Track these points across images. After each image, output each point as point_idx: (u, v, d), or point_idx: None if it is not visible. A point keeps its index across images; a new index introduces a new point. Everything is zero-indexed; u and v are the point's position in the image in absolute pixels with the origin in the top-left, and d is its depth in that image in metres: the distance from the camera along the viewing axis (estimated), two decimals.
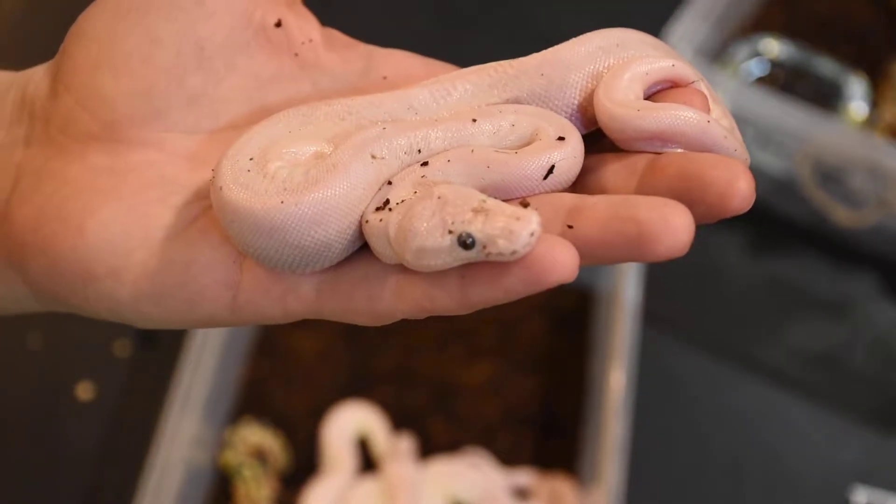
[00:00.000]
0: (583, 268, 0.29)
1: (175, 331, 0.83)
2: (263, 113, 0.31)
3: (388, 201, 0.29)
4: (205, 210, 0.30)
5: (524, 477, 0.80)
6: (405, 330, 0.87)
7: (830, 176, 0.84)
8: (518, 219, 0.27)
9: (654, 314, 0.84)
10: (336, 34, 0.33)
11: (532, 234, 0.26)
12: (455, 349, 0.85)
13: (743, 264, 0.90)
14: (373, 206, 0.29)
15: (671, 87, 0.31)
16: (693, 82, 0.32)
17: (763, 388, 0.85)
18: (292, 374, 0.85)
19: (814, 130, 0.82)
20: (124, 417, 0.84)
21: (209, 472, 0.81)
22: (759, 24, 0.96)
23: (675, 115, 0.29)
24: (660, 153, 0.29)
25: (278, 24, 0.31)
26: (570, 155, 0.30)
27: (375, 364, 0.86)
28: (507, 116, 0.31)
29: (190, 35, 0.30)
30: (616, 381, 0.76)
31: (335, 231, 0.29)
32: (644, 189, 0.29)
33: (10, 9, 1.06)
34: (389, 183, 0.30)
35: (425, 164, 0.29)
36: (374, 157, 0.29)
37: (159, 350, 0.86)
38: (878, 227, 0.86)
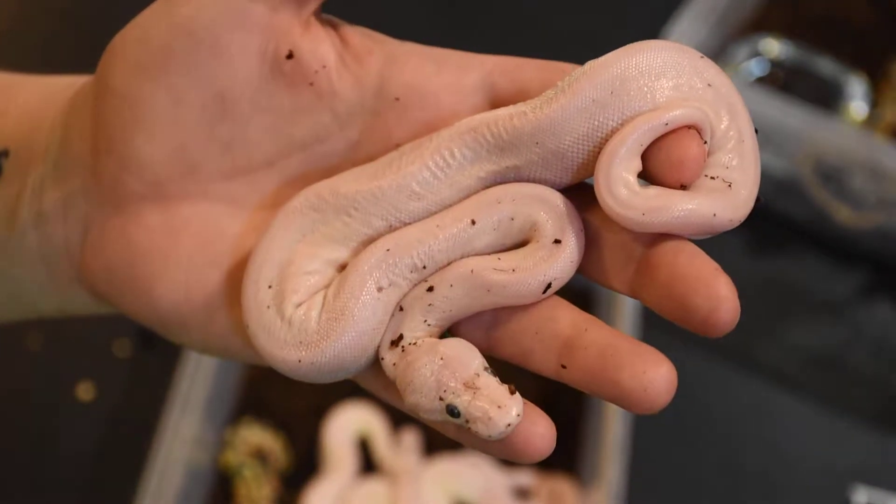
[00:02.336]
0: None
1: None
2: (292, 147, 0.33)
3: (402, 337, 0.31)
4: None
5: (524, 477, 0.80)
6: None
7: (831, 176, 0.84)
8: (500, 407, 0.29)
9: (654, 314, 0.84)
10: (351, 40, 0.33)
11: (509, 426, 0.29)
12: None
13: (743, 264, 0.90)
14: (388, 339, 0.31)
15: (669, 134, 0.30)
16: (690, 126, 0.30)
17: (763, 388, 0.85)
18: None
19: (814, 130, 0.82)
20: (124, 417, 0.84)
21: (209, 472, 0.81)
22: (759, 24, 0.96)
23: (680, 218, 0.29)
24: (659, 240, 0.30)
25: (290, 56, 0.32)
26: (566, 267, 0.30)
27: None
28: (506, 209, 0.31)
29: (210, 87, 0.31)
30: None
31: (353, 368, 0.32)
32: (636, 293, 0.30)
33: (8, 9, 1.06)
34: (401, 309, 0.31)
35: (431, 289, 0.31)
36: (380, 289, 0.31)
37: (159, 350, 0.86)
38: (878, 227, 0.86)
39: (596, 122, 0.30)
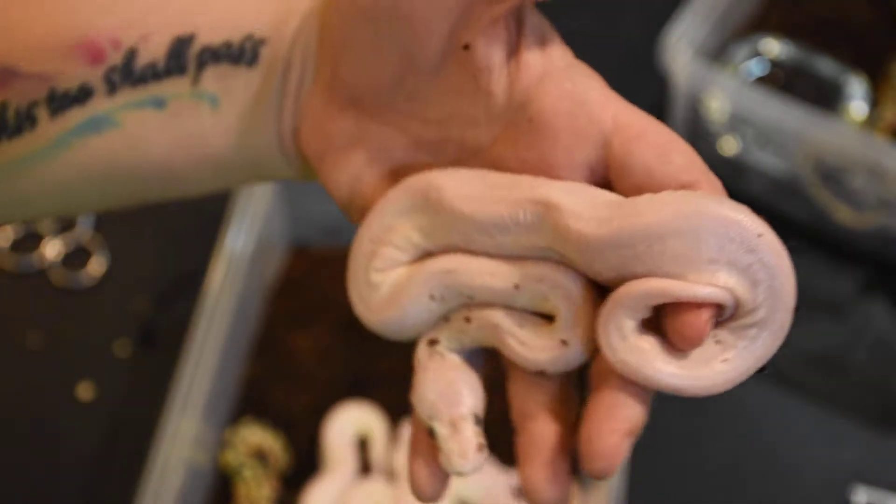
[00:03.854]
0: None
1: (175, 330, 0.83)
2: (455, 116, 0.37)
3: (438, 341, 0.38)
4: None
5: None
6: None
7: (831, 176, 0.84)
8: (461, 457, 0.36)
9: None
10: (523, 47, 0.36)
11: (464, 472, 0.36)
12: None
13: None
14: (427, 337, 0.38)
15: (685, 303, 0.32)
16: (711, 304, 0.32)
17: (763, 388, 0.85)
18: (292, 374, 0.85)
19: (814, 130, 0.82)
20: (124, 417, 0.84)
21: (209, 472, 0.81)
22: (759, 24, 0.96)
23: (648, 379, 0.34)
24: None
25: (466, 47, 0.35)
26: (558, 365, 0.35)
27: (375, 364, 0.86)
28: (544, 289, 0.35)
29: (405, 47, 0.36)
30: None
31: (406, 336, 0.38)
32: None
33: None
34: (446, 320, 0.37)
35: (468, 320, 0.37)
36: (431, 297, 0.37)
37: (159, 350, 0.86)
38: (878, 227, 0.86)
39: (624, 262, 0.33)
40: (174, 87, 0.39)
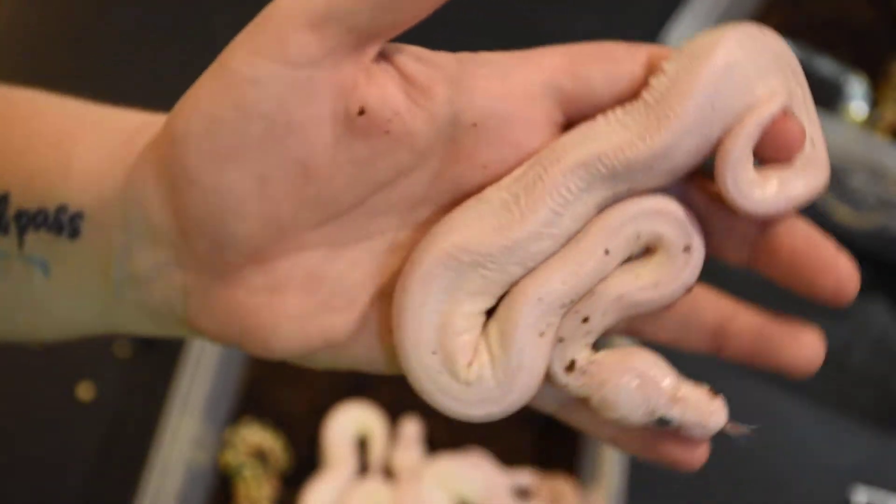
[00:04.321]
0: None
1: None
2: (376, 186, 0.33)
3: (574, 363, 0.34)
4: (363, 304, 0.35)
5: (525, 477, 0.80)
6: None
7: (831, 176, 0.84)
8: (711, 413, 0.35)
9: None
10: (412, 74, 0.33)
11: (720, 425, 0.35)
12: None
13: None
14: (559, 368, 0.34)
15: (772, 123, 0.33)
16: (786, 111, 0.33)
17: (763, 388, 0.85)
18: (292, 374, 0.85)
19: None
20: (124, 417, 0.84)
21: (209, 472, 0.81)
22: (758, 25, 0.96)
23: (797, 198, 0.34)
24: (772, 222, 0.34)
25: (361, 112, 0.32)
26: (699, 268, 0.34)
27: None
28: (630, 229, 0.33)
29: (291, 159, 0.32)
30: None
31: (540, 382, 0.35)
32: (756, 268, 0.36)
33: (9, 9, 1.06)
34: (561, 339, 0.34)
35: (586, 320, 0.34)
36: (541, 334, 0.33)
37: (159, 350, 0.86)
38: (878, 227, 0.86)
39: (704, 136, 0.32)
40: (1, 246, 0.36)
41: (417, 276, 0.33)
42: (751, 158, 0.33)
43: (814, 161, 0.35)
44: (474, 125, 0.33)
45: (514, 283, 0.34)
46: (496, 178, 0.34)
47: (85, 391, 0.85)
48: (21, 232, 0.35)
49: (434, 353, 0.34)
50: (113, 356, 0.86)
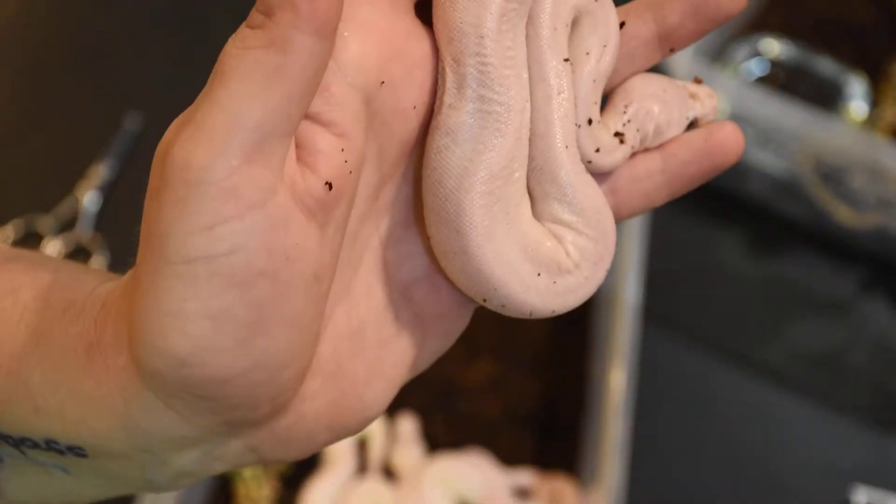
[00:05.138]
0: None
1: None
2: (368, 212, 0.34)
3: (591, 120, 0.35)
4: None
5: (525, 477, 0.80)
6: None
7: (831, 176, 0.84)
8: (710, 96, 0.39)
9: (654, 314, 0.84)
10: (322, 116, 0.30)
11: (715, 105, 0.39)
12: (455, 349, 0.85)
13: (743, 264, 0.90)
14: (609, 143, 0.36)
15: None
16: None
17: (763, 388, 0.85)
18: None
19: (814, 130, 0.82)
20: None
21: None
22: (759, 24, 0.96)
23: None
24: None
25: (329, 186, 0.30)
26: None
27: None
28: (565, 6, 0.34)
29: (306, 282, 0.30)
30: (616, 381, 0.76)
31: None
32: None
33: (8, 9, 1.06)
34: (588, 124, 0.35)
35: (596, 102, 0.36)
36: (575, 153, 0.35)
37: None
38: (878, 227, 0.86)
39: None
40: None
41: (469, 212, 0.32)
42: None
43: None
44: (381, 83, 0.31)
45: (531, 160, 0.34)
46: (429, 107, 0.33)
47: None
48: (17, 447, 0.32)
49: (529, 262, 0.34)
50: None
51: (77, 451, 0.31)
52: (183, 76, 1.02)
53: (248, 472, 0.80)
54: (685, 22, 0.37)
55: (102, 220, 0.93)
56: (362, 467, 0.82)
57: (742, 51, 0.94)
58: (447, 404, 0.83)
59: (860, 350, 0.86)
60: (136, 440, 0.31)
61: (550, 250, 0.34)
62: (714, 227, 0.91)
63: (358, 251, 0.34)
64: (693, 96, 0.38)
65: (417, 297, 0.35)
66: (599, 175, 0.36)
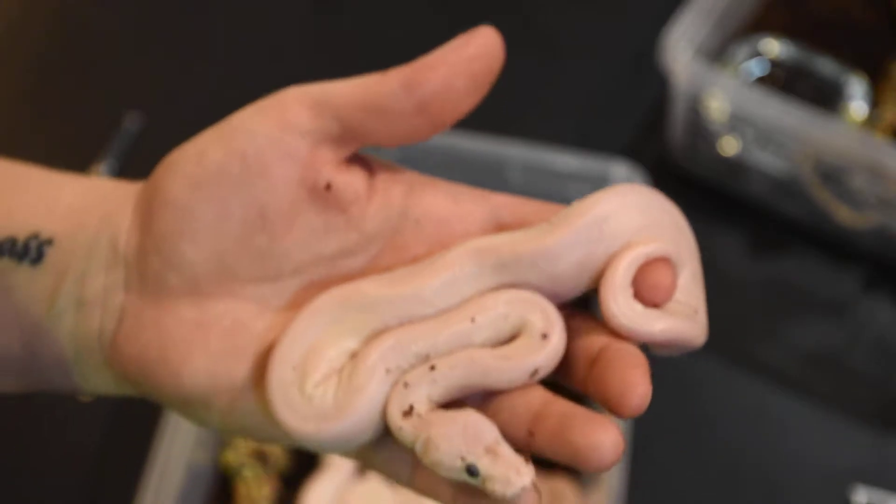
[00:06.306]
0: None
1: None
2: (320, 259, 0.37)
3: (412, 407, 0.36)
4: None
5: None
6: None
7: (831, 176, 0.84)
8: (517, 472, 0.34)
9: None
10: (379, 173, 0.38)
11: (521, 490, 0.34)
12: None
13: (743, 264, 0.90)
14: (397, 411, 0.36)
15: (648, 264, 0.36)
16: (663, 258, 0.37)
17: (763, 388, 0.85)
18: None
19: (814, 130, 0.82)
20: (124, 417, 0.84)
21: (209, 472, 0.81)
22: (759, 24, 0.96)
23: (666, 332, 0.36)
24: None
25: (328, 188, 0.36)
26: (551, 358, 0.36)
27: None
28: (501, 309, 0.36)
29: (254, 205, 0.36)
30: None
31: (364, 439, 0.36)
32: (584, 387, 0.37)
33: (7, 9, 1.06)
34: (406, 385, 0.36)
35: (433, 368, 0.36)
36: (388, 370, 0.36)
37: None
38: (878, 227, 0.86)
39: (586, 255, 0.36)
40: None
41: (309, 308, 0.37)
42: (628, 285, 0.36)
43: (696, 323, 0.38)
44: (417, 221, 0.37)
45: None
46: None
47: None
48: None
49: (294, 368, 0.36)
50: None
51: (42, 249, 0.38)
52: (183, 76, 1.02)
53: (248, 472, 0.80)
54: (549, 428, 0.36)
55: None
56: (362, 467, 0.82)
57: (742, 51, 0.94)
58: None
59: (860, 350, 0.86)
60: (96, 237, 0.38)
61: (315, 369, 0.37)
62: (714, 227, 0.91)
63: (301, 298, 0.38)
64: (492, 453, 0.35)
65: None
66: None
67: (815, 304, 0.88)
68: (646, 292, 0.36)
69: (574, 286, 0.37)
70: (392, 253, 0.38)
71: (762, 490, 0.81)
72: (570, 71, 1.02)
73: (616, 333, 0.36)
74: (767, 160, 0.88)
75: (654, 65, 0.88)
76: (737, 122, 0.86)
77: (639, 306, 0.36)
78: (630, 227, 0.36)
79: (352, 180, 0.37)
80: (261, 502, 0.79)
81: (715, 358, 0.86)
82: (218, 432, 0.38)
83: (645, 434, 0.80)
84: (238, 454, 0.81)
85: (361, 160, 0.38)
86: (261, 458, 0.81)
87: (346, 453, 0.38)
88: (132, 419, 0.84)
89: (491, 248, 0.37)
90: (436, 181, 0.39)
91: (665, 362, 0.89)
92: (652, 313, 0.36)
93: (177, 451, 0.74)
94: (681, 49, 0.85)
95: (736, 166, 0.90)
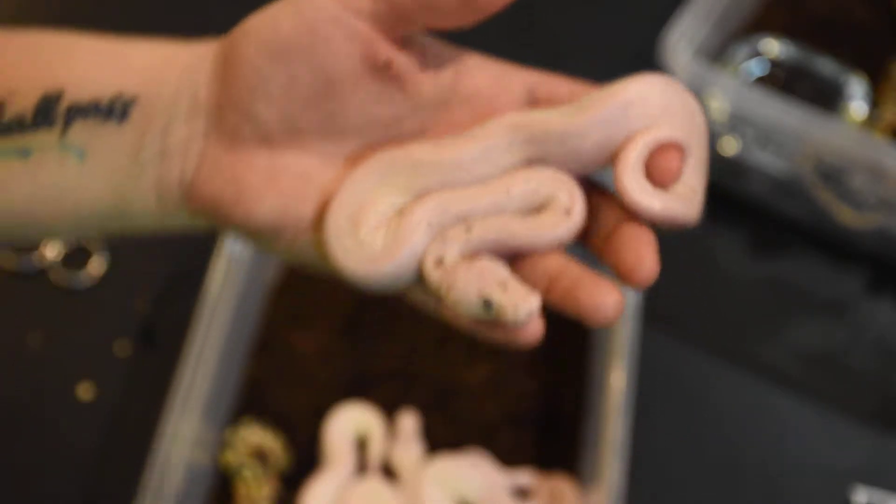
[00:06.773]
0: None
1: (175, 330, 0.83)
2: (376, 123, 0.42)
3: (442, 259, 0.40)
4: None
5: (524, 477, 0.80)
6: (405, 330, 0.87)
7: (831, 176, 0.84)
8: (524, 299, 0.38)
9: (654, 314, 0.84)
10: (432, 48, 0.42)
11: (529, 314, 0.38)
12: (455, 349, 0.85)
13: (743, 264, 0.90)
14: (432, 259, 0.40)
15: (660, 147, 0.40)
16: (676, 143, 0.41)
17: (763, 388, 0.85)
18: (292, 374, 0.85)
19: (814, 130, 0.82)
20: (124, 417, 0.84)
21: (209, 472, 0.81)
22: (759, 24, 0.96)
23: (667, 210, 0.40)
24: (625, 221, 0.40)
25: (388, 64, 0.41)
26: (572, 230, 0.41)
27: (375, 364, 0.86)
28: (533, 184, 0.41)
29: (320, 73, 0.40)
30: (616, 380, 0.76)
31: (405, 280, 0.41)
32: (599, 255, 0.41)
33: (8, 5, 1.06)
34: (444, 240, 0.41)
35: (469, 229, 0.41)
36: (430, 225, 0.41)
37: (159, 350, 0.86)
38: (878, 227, 0.86)
39: (609, 135, 0.40)
40: (40, 139, 0.42)
41: (364, 165, 0.42)
42: (642, 166, 0.40)
43: (693, 203, 0.41)
44: (465, 97, 0.42)
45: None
46: None
47: (85, 391, 0.85)
48: (67, 123, 0.42)
49: (348, 217, 0.41)
50: (113, 356, 0.86)
51: (127, 108, 0.42)
52: None
53: (248, 472, 0.80)
54: (560, 287, 0.41)
55: None
56: (362, 466, 0.82)
57: (742, 51, 0.94)
58: (447, 404, 0.84)
59: (861, 350, 0.86)
60: (178, 92, 0.42)
61: (368, 217, 0.42)
62: (714, 227, 0.91)
63: (359, 155, 0.43)
64: (503, 286, 0.39)
65: None
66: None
67: (815, 304, 0.88)
68: (656, 173, 0.40)
69: (595, 163, 0.41)
70: (440, 125, 0.43)
71: (762, 489, 0.81)
72: (571, 71, 1.01)
73: (625, 206, 0.40)
74: (767, 160, 0.88)
75: (654, 65, 0.88)
76: (737, 122, 0.86)
77: (648, 185, 0.40)
78: (650, 113, 0.40)
79: (409, 59, 0.41)
80: (261, 502, 0.79)
81: (715, 357, 0.86)
82: (285, 259, 0.47)
83: (645, 434, 0.80)
84: (238, 454, 0.81)
85: (416, 40, 0.42)
86: (261, 458, 0.81)
87: (386, 290, 0.42)
88: (132, 419, 0.84)
89: (525, 123, 0.41)
90: (483, 61, 0.43)
91: (665, 362, 0.90)
92: (656, 193, 0.40)
93: (177, 451, 0.74)
94: (681, 49, 0.85)
95: (736, 166, 0.90)
